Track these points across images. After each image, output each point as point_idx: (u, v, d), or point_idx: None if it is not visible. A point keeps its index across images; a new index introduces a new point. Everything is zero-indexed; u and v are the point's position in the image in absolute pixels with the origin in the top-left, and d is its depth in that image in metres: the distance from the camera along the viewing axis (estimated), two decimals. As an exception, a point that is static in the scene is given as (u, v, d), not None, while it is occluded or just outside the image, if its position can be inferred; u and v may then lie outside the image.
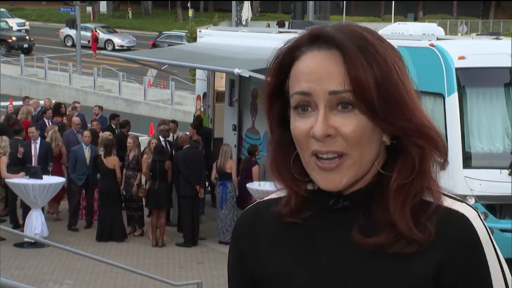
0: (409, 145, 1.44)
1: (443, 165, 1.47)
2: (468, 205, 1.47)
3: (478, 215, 1.46)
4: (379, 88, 1.41)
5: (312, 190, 1.51)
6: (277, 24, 41.87)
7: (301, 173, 1.50)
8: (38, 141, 13.39)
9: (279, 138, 1.52)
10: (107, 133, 14.28)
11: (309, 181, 1.51)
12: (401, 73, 1.45)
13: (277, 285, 1.50)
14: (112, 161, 12.92)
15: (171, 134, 14.49)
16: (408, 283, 1.42)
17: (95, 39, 38.84)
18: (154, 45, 38.62)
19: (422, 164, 1.44)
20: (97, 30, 43.16)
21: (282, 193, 1.56)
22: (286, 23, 38.37)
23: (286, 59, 1.47)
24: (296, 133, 1.44)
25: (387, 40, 1.48)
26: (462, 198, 1.50)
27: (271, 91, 1.50)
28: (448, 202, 1.46)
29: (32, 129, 13.40)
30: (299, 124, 1.44)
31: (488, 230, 1.46)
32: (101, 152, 13.45)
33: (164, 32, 43.81)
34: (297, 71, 1.45)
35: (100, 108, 18.11)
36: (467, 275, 1.42)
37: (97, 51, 38.38)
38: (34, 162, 13.17)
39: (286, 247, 1.51)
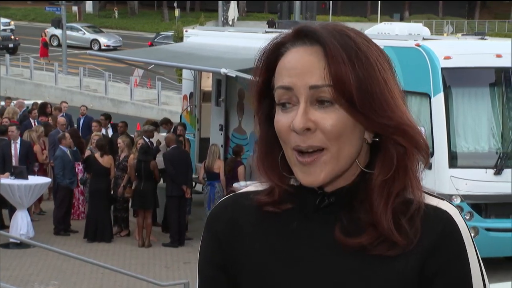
0: (389, 143, 1.46)
1: (425, 164, 1.48)
2: (450, 203, 1.50)
3: (459, 213, 1.49)
4: (360, 84, 1.42)
5: (295, 185, 1.52)
6: (267, 24, 41.99)
7: (288, 170, 1.51)
8: (18, 141, 13.29)
9: (266, 135, 1.53)
10: (97, 133, 14.26)
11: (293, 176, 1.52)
12: (384, 72, 1.46)
13: (258, 282, 1.49)
14: (109, 160, 12.88)
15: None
16: (392, 282, 1.44)
17: (45, 44, 37.46)
18: (152, 46, 38.24)
19: (402, 161, 1.46)
20: (47, 34, 41.11)
21: (261, 186, 1.56)
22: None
23: (272, 56, 1.49)
24: (278, 127, 1.46)
25: (374, 41, 1.49)
26: (446, 197, 1.52)
27: (260, 88, 1.52)
28: (430, 200, 1.48)
29: (13, 128, 13.31)
30: (281, 118, 1.46)
31: (469, 228, 1.49)
32: (88, 152, 13.40)
33: (161, 33, 43.59)
34: (281, 67, 1.47)
35: (86, 108, 18.13)
36: (448, 266, 1.44)
37: (49, 56, 36.61)
38: (14, 162, 13.06)
39: (268, 242, 1.51)
